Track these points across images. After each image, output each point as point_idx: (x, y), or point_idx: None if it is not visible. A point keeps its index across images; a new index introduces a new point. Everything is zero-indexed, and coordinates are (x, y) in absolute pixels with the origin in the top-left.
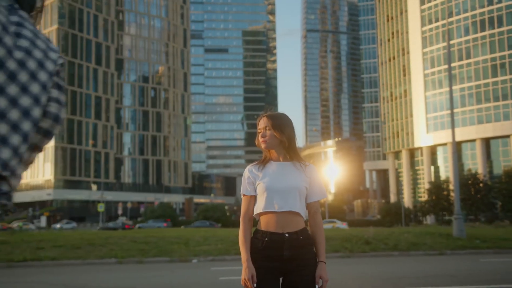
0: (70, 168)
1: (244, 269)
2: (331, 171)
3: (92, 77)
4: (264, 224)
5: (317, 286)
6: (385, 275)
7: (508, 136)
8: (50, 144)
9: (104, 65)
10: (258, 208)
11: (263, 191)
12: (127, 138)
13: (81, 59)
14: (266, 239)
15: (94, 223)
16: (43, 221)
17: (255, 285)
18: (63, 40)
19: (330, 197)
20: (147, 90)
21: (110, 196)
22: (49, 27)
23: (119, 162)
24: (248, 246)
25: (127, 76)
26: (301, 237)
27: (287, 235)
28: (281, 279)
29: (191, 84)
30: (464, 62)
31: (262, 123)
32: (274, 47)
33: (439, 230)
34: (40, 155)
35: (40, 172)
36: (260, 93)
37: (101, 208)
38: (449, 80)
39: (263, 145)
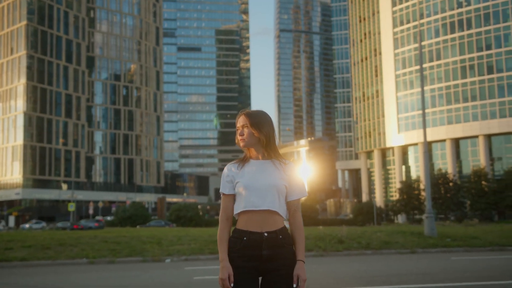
0: (40, 167)
1: (221, 268)
2: (304, 170)
3: (62, 74)
4: (243, 223)
5: (294, 285)
6: (358, 273)
7: (476, 137)
8: (19, 143)
9: (75, 62)
10: (237, 207)
11: (242, 190)
12: (98, 136)
13: (51, 56)
14: (245, 238)
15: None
16: (11, 221)
17: (232, 285)
18: (32, 36)
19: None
20: (119, 88)
21: (81, 195)
22: (17, 23)
23: (90, 161)
24: (225, 246)
25: (98, 74)
26: (280, 236)
27: (266, 234)
28: (260, 278)
29: (163, 82)
30: (435, 63)
31: (240, 121)
32: (247, 47)
33: (411, 229)
34: (9, 154)
35: (9, 171)
36: (233, 92)
37: (71, 207)
38: (420, 81)
39: (241, 144)
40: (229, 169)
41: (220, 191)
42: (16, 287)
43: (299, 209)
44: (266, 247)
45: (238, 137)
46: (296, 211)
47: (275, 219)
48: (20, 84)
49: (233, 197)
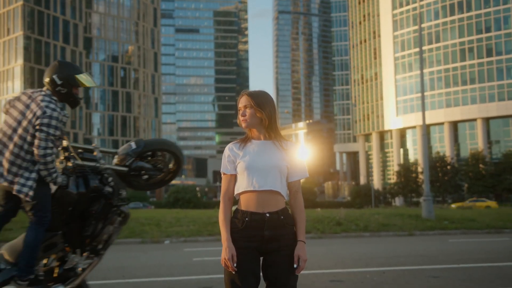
0: None
1: (224, 248)
2: (302, 153)
3: (59, 55)
4: (244, 203)
5: (295, 265)
6: (357, 255)
7: (474, 120)
8: None
9: (72, 43)
10: (239, 187)
11: (243, 170)
12: (96, 118)
13: (48, 37)
14: (246, 219)
15: None
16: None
17: (235, 265)
18: (28, 17)
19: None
20: (116, 69)
21: None
22: (14, 3)
23: (88, 143)
24: (228, 226)
25: (96, 55)
26: (282, 217)
27: (267, 215)
28: (261, 259)
29: (161, 64)
30: (434, 46)
31: (242, 101)
32: (246, 28)
33: (408, 212)
34: None
35: None
36: (231, 74)
37: None
38: (419, 64)
39: (243, 124)
40: (231, 149)
41: (221, 170)
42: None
43: (300, 190)
44: (268, 228)
45: (240, 118)
46: (297, 192)
47: (276, 200)
48: (17, 65)
49: (234, 177)
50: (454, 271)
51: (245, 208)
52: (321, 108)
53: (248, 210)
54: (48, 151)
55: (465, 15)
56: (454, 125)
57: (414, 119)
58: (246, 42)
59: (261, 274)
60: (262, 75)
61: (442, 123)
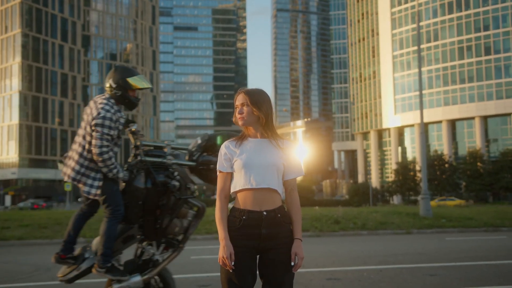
0: (36, 147)
1: (222, 247)
2: (300, 151)
3: (57, 53)
4: (241, 201)
5: (292, 263)
6: (355, 253)
7: (472, 118)
8: (15, 122)
9: (70, 41)
10: (235, 185)
11: (241, 168)
12: None
13: (46, 35)
14: (244, 217)
15: (61, 202)
16: (7, 200)
17: (233, 263)
18: (27, 14)
19: (299, 178)
20: None
21: None
22: (11, 1)
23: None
24: (225, 224)
25: (94, 53)
26: (279, 215)
27: (265, 213)
28: (257, 257)
29: (160, 62)
30: (432, 44)
31: (239, 99)
32: (244, 26)
33: (406, 210)
34: (4, 133)
35: (4, 151)
36: (229, 72)
37: (68, 187)
38: (418, 62)
39: (240, 122)
40: (227, 146)
41: (218, 168)
42: (15, 264)
43: (295, 188)
44: (265, 226)
45: (237, 115)
46: (293, 190)
47: (273, 198)
48: (15, 63)
49: (230, 175)
50: (451, 269)
51: (242, 206)
52: (319, 106)
53: (245, 208)
54: (104, 149)
55: (463, 13)
56: (452, 123)
57: (412, 117)
58: (244, 40)
59: (257, 272)
60: (260, 73)
61: (440, 122)
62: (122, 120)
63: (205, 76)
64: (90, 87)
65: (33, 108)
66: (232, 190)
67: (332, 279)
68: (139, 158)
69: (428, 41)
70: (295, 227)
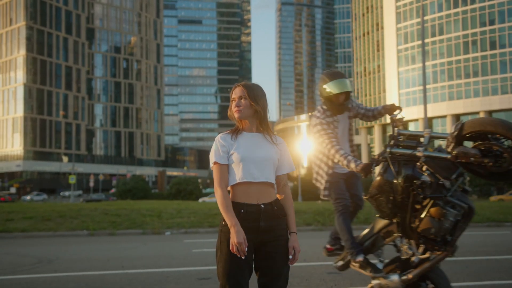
0: (40, 139)
1: (235, 233)
2: (304, 145)
3: (62, 46)
4: (239, 195)
5: (290, 256)
6: None
7: (477, 113)
8: (19, 115)
9: (75, 34)
10: (233, 178)
11: (239, 161)
12: (98, 109)
13: (50, 28)
14: (242, 210)
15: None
16: (12, 192)
17: (246, 248)
18: (31, 7)
19: (302, 172)
20: (119, 60)
21: (82, 168)
22: None
23: (90, 134)
24: (232, 211)
25: (98, 46)
26: (275, 208)
27: (263, 206)
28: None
29: (164, 55)
30: (437, 38)
31: (237, 92)
32: (249, 20)
33: None
34: (9, 126)
35: (9, 143)
36: (234, 66)
37: (72, 180)
38: (422, 56)
39: (236, 115)
40: (224, 138)
41: (215, 160)
42: (17, 256)
43: (287, 183)
44: (264, 219)
45: (234, 108)
46: (286, 185)
47: (270, 191)
48: (19, 55)
49: (227, 167)
50: (451, 264)
51: (240, 200)
52: None
53: (243, 202)
54: (328, 146)
55: (468, 7)
56: (457, 118)
57: (416, 111)
58: (249, 34)
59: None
60: (264, 67)
61: (444, 116)
62: (328, 119)
63: (209, 69)
64: (95, 80)
65: (38, 100)
66: (229, 184)
67: (333, 273)
68: (388, 149)
69: (433, 35)
70: (290, 220)
